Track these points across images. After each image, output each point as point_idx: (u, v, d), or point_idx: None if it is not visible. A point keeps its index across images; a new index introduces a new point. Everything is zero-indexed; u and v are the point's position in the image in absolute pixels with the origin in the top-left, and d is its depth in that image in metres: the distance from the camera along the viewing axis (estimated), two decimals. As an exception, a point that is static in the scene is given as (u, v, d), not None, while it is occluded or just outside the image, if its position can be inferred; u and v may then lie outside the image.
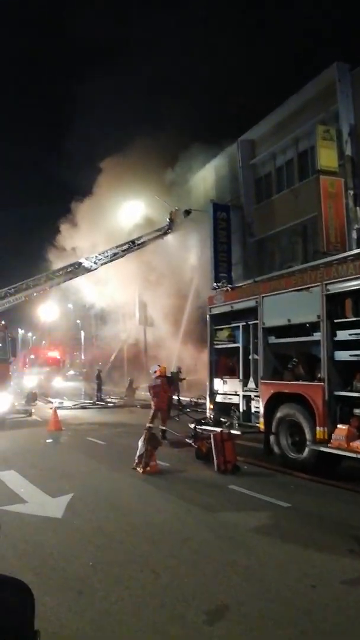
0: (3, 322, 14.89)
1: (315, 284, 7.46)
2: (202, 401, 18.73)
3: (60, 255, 26.17)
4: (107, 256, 19.29)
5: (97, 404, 21.36)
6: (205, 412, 15.89)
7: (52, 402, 22.05)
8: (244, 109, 22.10)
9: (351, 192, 16.11)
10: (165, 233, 19.90)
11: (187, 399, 19.61)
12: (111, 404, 21.33)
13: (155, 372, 11.70)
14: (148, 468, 7.90)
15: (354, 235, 15.90)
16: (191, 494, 6.68)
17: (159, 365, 12.15)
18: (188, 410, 16.83)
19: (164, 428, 11.12)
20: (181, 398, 19.35)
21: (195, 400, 19.22)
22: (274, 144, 19.28)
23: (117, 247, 19.70)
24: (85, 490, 7.06)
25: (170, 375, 17.29)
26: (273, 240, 20.00)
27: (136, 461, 8.09)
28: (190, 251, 23.19)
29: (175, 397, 17.78)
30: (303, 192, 17.94)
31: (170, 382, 16.98)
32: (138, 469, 7.99)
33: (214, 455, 7.88)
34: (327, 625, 3.35)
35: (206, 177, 24.59)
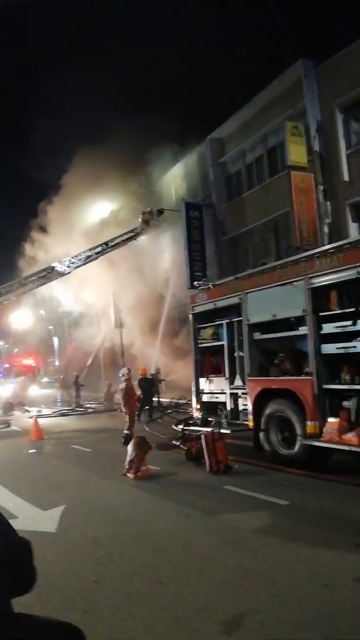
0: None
1: (299, 278, 7.45)
2: (183, 401, 18.72)
3: (32, 260, 25.62)
4: (81, 259, 18.95)
5: (77, 410, 20.99)
6: (188, 412, 15.94)
7: (29, 411, 21.58)
8: (211, 108, 22.09)
9: (321, 187, 16.29)
10: (138, 234, 19.69)
11: (168, 400, 19.52)
12: (91, 410, 21.00)
13: (125, 374, 11.34)
14: (139, 473, 7.73)
15: (326, 229, 16.09)
16: (187, 498, 6.55)
17: (128, 369, 11.78)
18: (170, 411, 16.73)
19: (127, 432, 10.84)
20: (161, 399, 19.23)
21: (176, 401, 19.15)
22: (243, 141, 19.33)
23: (90, 249, 19.38)
24: (77, 500, 6.85)
25: (149, 377, 17.19)
26: (246, 238, 20.07)
27: (127, 467, 7.91)
28: (163, 251, 23.08)
29: (155, 399, 17.65)
30: (273, 189, 18.06)
31: (150, 384, 16.94)
32: (129, 474, 7.82)
33: (206, 456, 7.78)
34: (347, 626, 3.28)
35: (176, 176, 24.50)
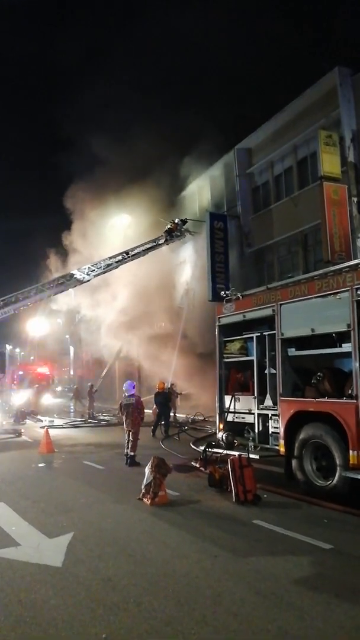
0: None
1: (344, 289, 6.69)
2: (200, 418, 17.92)
3: (55, 266, 25.38)
4: (100, 267, 18.48)
5: (90, 422, 20.29)
6: (206, 430, 15.15)
7: (42, 421, 20.96)
8: (240, 118, 21.59)
9: (355, 199, 15.55)
10: (160, 244, 19.16)
11: (184, 416, 18.73)
12: (104, 422, 20.27)
13: (132, 388, 10.62)
14: (157, 499, 6.97)
15: (359, 243, 15.30)
16: (212, 533, 5.75)
17: (134, 383, 11.06)
18: (186, 428, 15.94)
19: (132, 454, 10.12)
20: (177, 415, 18.45)
21: (193, 417, 18.35)
22: (272, 151, 18.75)
23: (110, 258, 18.92)
24: (87, 527, 6.10)
25: (166, 391, 16.44)
26: (271, 250, 19.36)
27: (143, 491, 7.15)
28: (185, 262, 22.53)
29: (171, 414, 16.89)
30: (303, 200, 17.37)
31: (167, 398, 16.18)
32: (145, 499, 7.06)
33: (232, 484, 6.97)
34: None
35: (201, 186, 24.03)
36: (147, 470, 7.22)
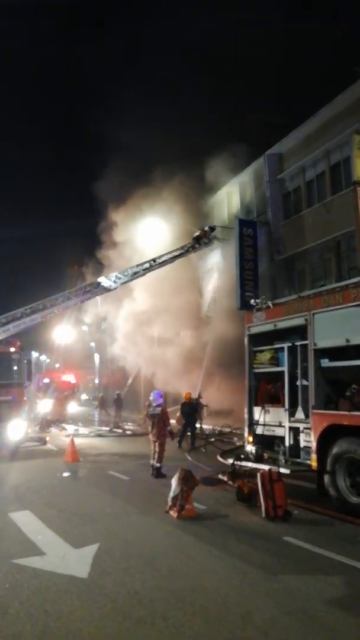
0: (18, 344, 14.04)
1: (381, 298, 6.42)
2: (227, 430, 17.63)
3: (83, 273, 25.66)
4: (127, 275, 18.46)
5: (114, 432, 20.23)
6: (233, 442, 14.86)
7: (66, 429, 21.02)
8: (269, 123, 21.44)
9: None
10: (188, 251, 19.07)
11: (210, 427, 18.47)
12: (129, 432, 20.18)
13: (160, 398, 10.47)
14: (183, 512, 6.79)
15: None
16: (241, 549, 5.54)
17: (161, 394, 10.87)
18: (213, 440, 15.68)
19: (158, 465, 9.94)
20: (204, 426, 18.19)
21: (219, 429, 18.06)
22: (304, 157, 18.46)
23: (137, 265, 18.90)
24: (113, 539, 5.97)
25: (192, 401, 16.23)
26: (303, 258, 19.00)
27: (169, 503, 6.99)
28: (213, 270, 22.37)
29: (197, 425, 16.66)
30: (336, 206, 17.01)
31: (194, 409, 15.98)
32: (172, 512, 6.89)
33: (261, 499, 6.74)
34: None
35: (231, 193, 23.88)
36: (173, 482, 7.05)
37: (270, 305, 8.86)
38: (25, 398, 14.43)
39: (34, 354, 42.39)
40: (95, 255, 26.12)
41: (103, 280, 18.17)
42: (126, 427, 21.76)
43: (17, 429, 12.80)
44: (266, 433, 8.63)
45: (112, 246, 25.76)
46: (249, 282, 18.45)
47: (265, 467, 7.46)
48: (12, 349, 13.68)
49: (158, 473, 9.85)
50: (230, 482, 8.53)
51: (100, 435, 19.11)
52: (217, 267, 21.52)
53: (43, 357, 53.85)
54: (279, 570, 4.91)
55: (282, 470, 7.39)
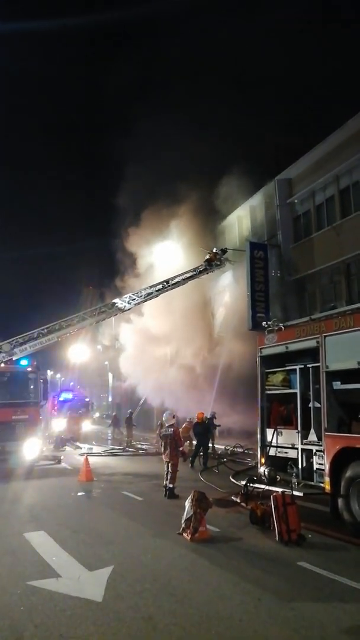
0: (35, 364, 14.27)
1: (393, 322, 6.49)
2: (240, 450, 17.55)
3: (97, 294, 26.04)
4: (141, 296, 18.74)
5: (128, 451, 20.24)
6: (246, 462, 14.79)
7: (80, 448, 21.10)
8: (279, 148, 21.79)
9: None
10: (200, 273, 19.32)
11: (223, 447, 18.39)
12: (142, 451, 20.17)
13: (172, 418, 10.51)
14: (197, 534, 6.82)
15: None
16: (255, 574, 5.54)
17: (173, 413, 10.91)
18: (225, 460, 15.63)
19: (171, 486, 9.94)
20: (216, 446, 18.13)
21: (232, 449, 17.99)
22: (313, 181, 18.73)
23: (150, 286, 19.19)
24: (127, 561, 6.02)
25: (205, 421, 16.23)
26: (313, 280, 19.12)
27: (183, 525, 7.03)
28: (224, 291, 22.57)
29: (210, 445, 16.62)
30: (345, 230, 17.17)
31: (206, 429, 15.98)
32: (185, 534, 6.92)
33: (275, 522, 6.74)
34: None
35: (242, 216, 24.24)
36: (187, 504, 7.10)
37: (282, 327, 8.96)
38: (40, 417, 14.61)
39: (49, 373, 42.72)
40: (110, 276, 26.53)
41: (117, 301, 18.46)
42: (139, 446, 21.75)
43: (33, 447, 12.94)
44: (279, 455, 8.65)
45: (126, 268, 26.18)
46: (260, 304, 18.63)
47: (279, 490, 7.47)
48: (29, 369, 13.92)
49: (171, 494, 9.87)
50: (243, 504, 8.53)
51: (113, 454, 19.13)
52: (228, 288, 21.73)
53: (58, 376, 54.22)
54: (294, 597, 4.91)
55: (295, 493, 7.37)
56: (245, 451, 16.92)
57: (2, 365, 14.46)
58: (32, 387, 13.62)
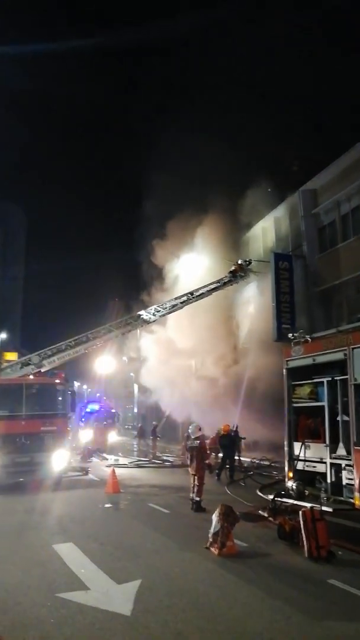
0: (63, 376, 14.50)
1: None
2: (266, 463, 17.34)
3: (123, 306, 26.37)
4: (166, 308, 18.92)
5: (154, 463, 20.24)
6: (273, 476, 14.60)
7: (107, 459, 21.21)
8: (302, 159, 21.80)
9: None
10: (225, 284, 19.38)
11: (249, 460, 18.22)
12: (168, 463, 20.14)
13: (198, 430, 10.45)
14: (224, 549, 6.78)
15: None
16: (284, 591, 5.48)
17: (199, 426, 10.81)
18: (252, 473, 15.46)
19: (197, 499, 9.89)
20: (242, 459, 17.97)
21: (258, 461, 17.80)
22: (338, 192, 18.59)
23: (175, 298, 19.37)
24: (155, 575, 6.03)
25: (231, 434, 16.13)
26: (339, 290, 18.86)
27: (210, 540, 7.00)
28: (249, 302, 22.50)
29: (236, 457, 16.48)
30: (372, 239, 16.95)
31: (232, 441, 15.87)
32: (213, 549, 6.89)
33: (304, 538, 6.65)
34: None
35: (266, 227, 24.21)
36: (214, 518, 7.07)
37: (309, 339, 8.89)
38: (68, 428, 14.79)
39: (76, 384, 43.24)
40: (136, 288, 26.86)
41: (143, 313, 18.67)
42: (164, 457, 21.73)
43: (61, 459, 13.09)
44: (307, 469, 8.54)
45: (151, 280, 26.45)
46: (285, 314, 18.49)
47: (307, 505, 7.37)
48: (57, 381, 14.15)
49: (198, 507, 9.84)
50: (271, 519, 8.43)
51: (139, 466, 19.17)
52: (253, 299, 21.66)
53: (84, 387, 54.80)
54: (324, 615, 4.84)
55: (324, 508, 7.26)
56: (272, 464, 16.71)
57: (31, 377, 14.76)
58: (60, 398, 13.80)
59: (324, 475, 8.08)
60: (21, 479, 12.73)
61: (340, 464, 7.75)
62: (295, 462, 8.70)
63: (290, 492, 8.52)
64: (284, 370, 9.40)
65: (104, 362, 38.72)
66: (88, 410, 27.99)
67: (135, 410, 50.15)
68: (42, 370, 15.44)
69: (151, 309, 18.83)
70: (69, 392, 14.21)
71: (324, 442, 8.15)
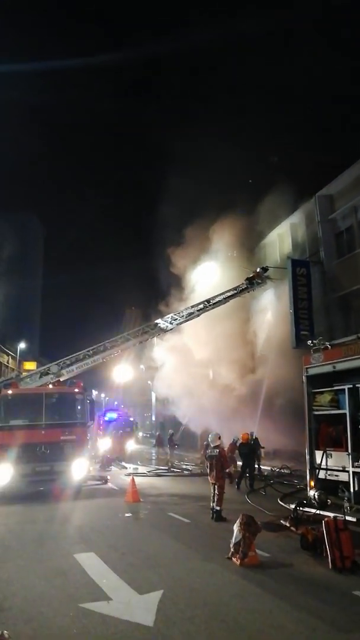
0: (82, 385, 14.60)
1: None
2: (286, 471, 17.13)
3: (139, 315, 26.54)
4: (183, 316, 18.97)
5: (173, 471, 20.17)
6: (294, 484, 14.41)
7: (126, 468, 21.22)
8: (318, 165, 21.74)
9: None
10: (242, 291, 19.36)
11: (269, 469, 18.03)
12: (187, 472, 20.04)
13: (217, 439, 10.36)
14: (246, 559, 6.70)
15: None
16: (308, 603, 5.38)
17: (218, 434, 10.68)
18: (272, 482, 15.29)
19: (218, 508, 9.78)
20: (262, 467, 17.79)
21: (278, 470, 17.60)
22: (355, 196, 18.47)
23: (192, 306, 19.42)
24: (177, 586, 5.99)
25: (250, 442, 16.00)
26: (358, 296, 18.66)
27: (232, 550, 6.92)
28: (267, 309, 22.39)
29: (256, 466, 16.32)
30: (391, 244, 16.75)
31: (252, 450, 15.74)
32: (234, 559, 6.82)
33: (327, 548, 6.54)
34: None
35: (282, 234, 24.15)
36: (235, 527, 7.00)
37: (329, 346, 8.80)
38: (87, 437, 14.85)
39: (94, 392, 43.46)
40: (152, 296, 27.06)
41: (160, 321, 18.76)
42: (183, 466, 21.64)
43: (80, 468, 13.13)
44: (329, 477, 8.41)
45: (168, 288, 26.58)
46: (303, 321, 18.37)
47: (329, 514, 7.26)
48: (76, 390, 14.24)
49: (218, 516, 9.76)
50: (293, 529, 8.32)
51: (158, 475, 19.12)
52: (270, 306, 21.57)
53: (102, 395, 55.07)
54: (350, 628, 4.74)
55: (348, 518, 7.14)
56: (292, 472, 16.51)
57: (51, 386, 14.90)
58: (79, 407, 13.88)
59: (346, 484, 7.95)
60: (41, 488, 12.81)
61: (363, 473, 7.62)
62: (317, 470, 8.58)
63: (313, 501, 8.40)
64: (304, 378, 9.31)
65: (122, 371, 38.86)
66: (106, 418, 28.06)
67: (154, 418, 50.12)
68: (61, 379, 15.59)
69: (168, 317, 18.90)
70: (88, 401, 14.29)
71: (346, 450, 8.03)
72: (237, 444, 15.93)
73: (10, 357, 48.24)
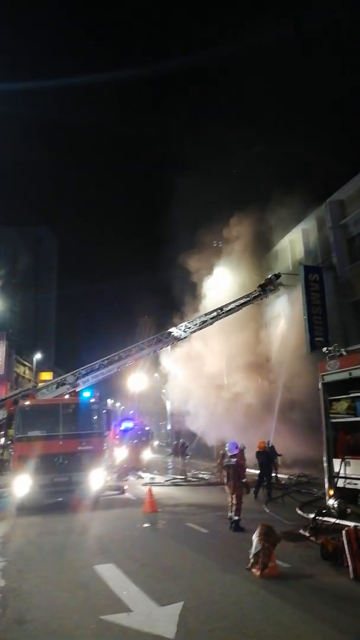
0: (98, 394, 14.70)
1: None
2: (304, 480, 16.96)
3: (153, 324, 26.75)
4: (196, 324, 19.01)
5: (190, 481, 20.10)
6: (312, 493, 14.26)
7: (143, 477, 21.21)
8: (329, 171, 21.77)
9: None
10: (254, 299, 19.36)
11: (286, 477, 17.87)
12: (203, 481, 19.97)
13: (235, 449, 10.30)
14: (266, 570, 6.66)
15: None
16: (330, 614, 5.34)
17: (237, 444, 10.58)
18: (290, 491, 15.15)
19: (236, 518, 9.71)
20: (279, 475, 17.63)
21: (295, 477, 17.44)
22: (367, 201, 18.44)
23: (205, 314, 19.46)
24: (197, 597, 5.98)
25: (267, 450, 15.88)
26: (372, 301, 18.57)
27: (251, 560, 6.89)
28: (280, 315, 22.35)
29: (273, 474, 16.19)
30: None
31: (269, 458, 15.63)
32: (254, 570, 6.78)
33: (348, 558, 6.48)
34: None
35: (294, 240, 24.13)
36: (254, 538, 6.97)
37: (344, 352, 8.76)
38: (104, 447, 14.91)
39: (109, 402, 43.61)
40: (167, 306, 27.22)
41: (173, 330, 18.82)
42: (200, 475, 21.55)
43: (98, 478, 13.17)
44: (348, 486, 8.33)
45: (181, 296, 26.70)
46: (318, 327, 18.27)
47: (349, 524, 7.19)
48: (93, 400, 14.33)
49: (237, 526, 9.71)
50: (312, 538, 8.25)
51: (175, 484, 19.08)
52: (284, 313, 21.53)
53: (118, 404, 55.19)
54: (373, 640, 4.69)
55: (368, 527, 7.05)
56: (310, 481, 16.34)
57: (67, 396, 15.02)
58: (95, 417, 13.95)
59: (366, 493, 7.87)
60: (60, 499, 12.88)
61: (382, 481, 7.55)
62: (336, 479, 8.51)
63: (332, 510, 8.33)
64: (320, 385, 9.27)
65: (137, 380, 39.00)
66: (122, 428, 28.11)
67: (169, 427, 50.04)
68: (77, 389, 15.72)
69: (181, 326, 18.96)
70: (104, 411, 14.36)
71: (365, 458, 7.96)
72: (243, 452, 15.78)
73: (27, 367, 48.68)
